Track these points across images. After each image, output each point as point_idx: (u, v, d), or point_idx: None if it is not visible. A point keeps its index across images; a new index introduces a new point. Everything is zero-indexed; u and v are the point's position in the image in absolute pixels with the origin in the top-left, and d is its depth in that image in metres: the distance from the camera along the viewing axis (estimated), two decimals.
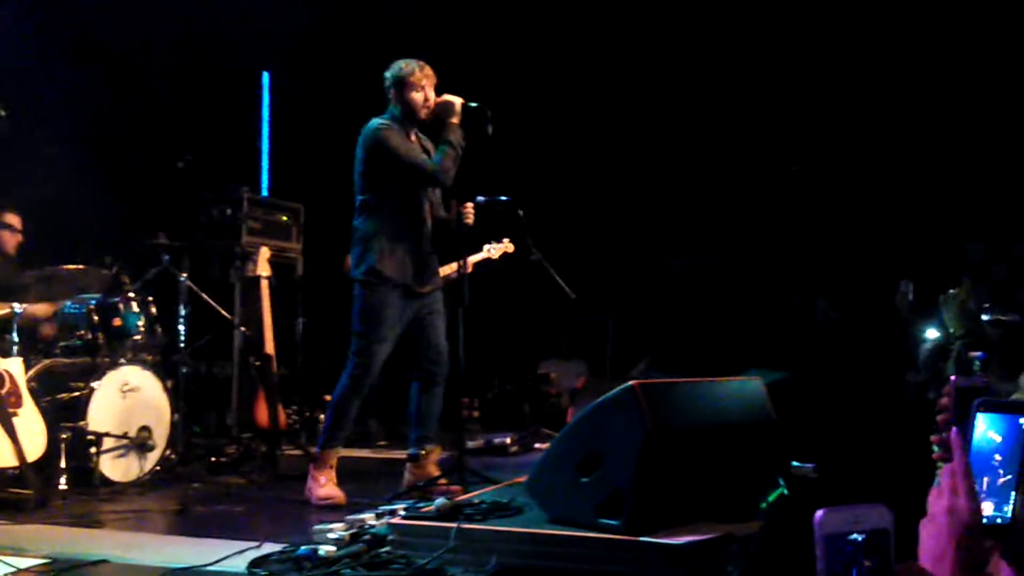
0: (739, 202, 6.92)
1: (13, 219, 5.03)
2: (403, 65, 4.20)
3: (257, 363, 5.15)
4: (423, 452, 4.24)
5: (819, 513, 1.22)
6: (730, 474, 3.09)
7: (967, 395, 1.36)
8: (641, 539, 2.74)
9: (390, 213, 4.13)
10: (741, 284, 7.01)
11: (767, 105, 6.81)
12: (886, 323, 5.52)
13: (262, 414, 5.03)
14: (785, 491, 3.23)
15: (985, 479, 1.32)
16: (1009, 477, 1.31)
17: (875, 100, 6.50)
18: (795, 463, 3.64)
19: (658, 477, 2.86)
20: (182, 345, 5.26)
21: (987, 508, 1.31)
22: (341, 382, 4.12)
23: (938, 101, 6.26)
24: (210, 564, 2.97)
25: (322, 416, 4.69)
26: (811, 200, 6.67)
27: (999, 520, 1.31)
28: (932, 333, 4.47)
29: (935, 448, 1.40)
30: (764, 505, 3.12)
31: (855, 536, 1.21)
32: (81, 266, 4.93)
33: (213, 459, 4.96)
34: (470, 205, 4.26)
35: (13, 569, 2.88)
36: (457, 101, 4.16)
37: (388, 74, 4.22)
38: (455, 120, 4.15)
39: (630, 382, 2.86)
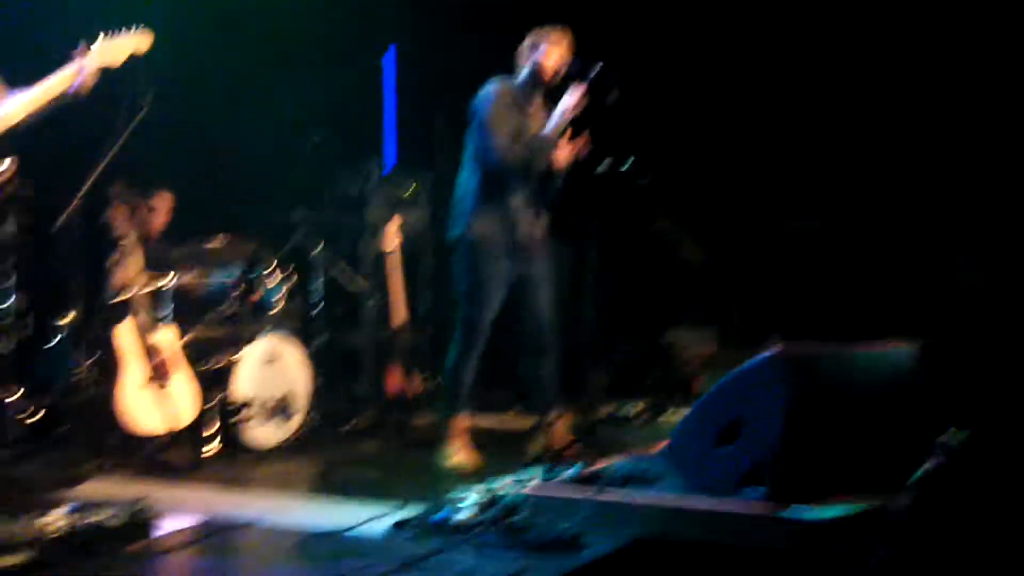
0: (861, 156, 6.59)
1: (164, 199, 5.25)
2: (540, 29, 4.16)
3: (389, 333, 5.23)
4: (550, 418, 4.21)
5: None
6: (879, 444, 2.97)
7: None
8: (786, 511, 2.66)
9: (487, 173, 4.08)
10: (875, 246, 6.69)
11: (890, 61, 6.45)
12: None
13: (395, 382, 5.13)
14: (939, 461, 3.08)
15: None
16: None
17: None
18: (948, 432, 3.47)
19: (804, 446, 2.78)
20: (318, 316, 5.40)
21: None
22: (452, 346, 4.14)
23: None
24: (351, 527, 3.05)
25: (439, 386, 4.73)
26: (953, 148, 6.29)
27: None
28: None
29: None
30: (915, 476, 2.98)
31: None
32: (223, 242, 5.10)
33: (350, 425, 5.08)
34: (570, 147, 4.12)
35: (169, 531, 3.02)
36: (567, 111, 4.04)
37: (526, 39, 4.18)
38: (550, 132, 4.04)
39: (775, 349, 2.77)
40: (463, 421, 4.17)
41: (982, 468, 2.83)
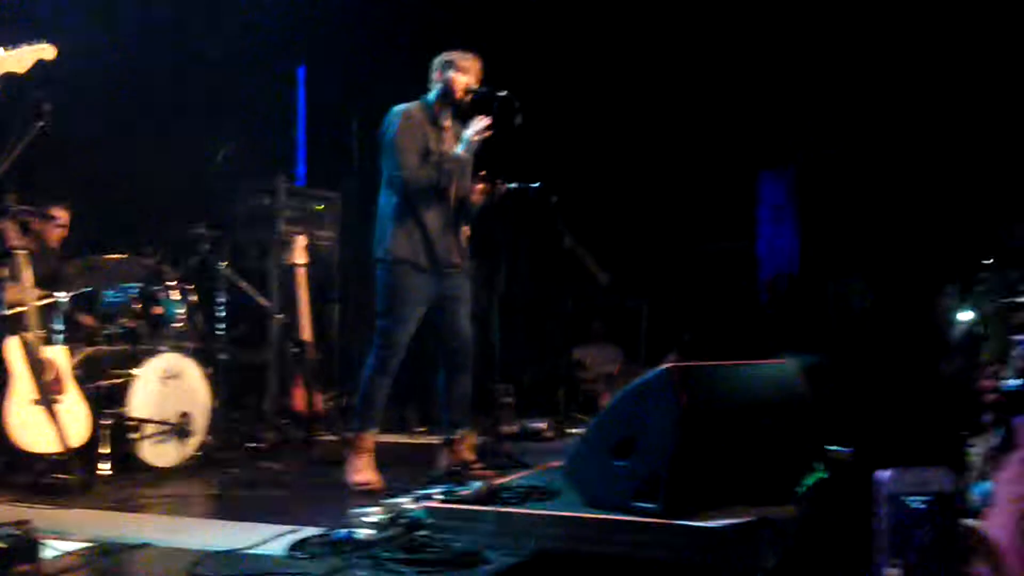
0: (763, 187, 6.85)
1: (60, 213, 5.12)
2: (453, 51, 4.22)
3: (294, 349, 5.19)
4: (456, 437, 4.25)
5: (883, 473, 1.21)
6: (767, 457, 3.08)
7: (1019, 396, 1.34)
8: (678, 522, 2.74)
9: (404, 193, 4.13)
10: (774, 267, 6.94)
11: (793, 86, 6.72)
12: (921, 309, 5.44)
13: (299, 400, 5.08)
14: (822, 474, 3.21)
15: None
16: None
17: (907, 83, 6.37)
18: (831, 447, 3.61)
19: (694, 460, 2.85)
20: (221, 332, 5.32)
21: None
22: (367, 364, 4.15)
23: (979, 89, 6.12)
24: (249, 547, 3.01)
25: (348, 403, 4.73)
26: (844, 183, 6.59)
27: None
28: (965, 316, 4.40)
29: (971, 435, 1.38)
30: (801, 489, 3.10)
31: (919, 499, 1.20)
32: (122, 255, 4.99)
33: (251, 444, 5.02)
34: (481, 186, 4.22)
35: (58, 552, 2.93)
36: (476, 134, 4.10)
37: (436, 59, 4.23)
38: (463, 151, 4.12)
39: (665, 365, 2.85)
40: (370, 438, 4.16)
41: (865, 480, 2.95)
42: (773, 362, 3.33)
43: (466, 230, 4.36)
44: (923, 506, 1.17)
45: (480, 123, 4.13)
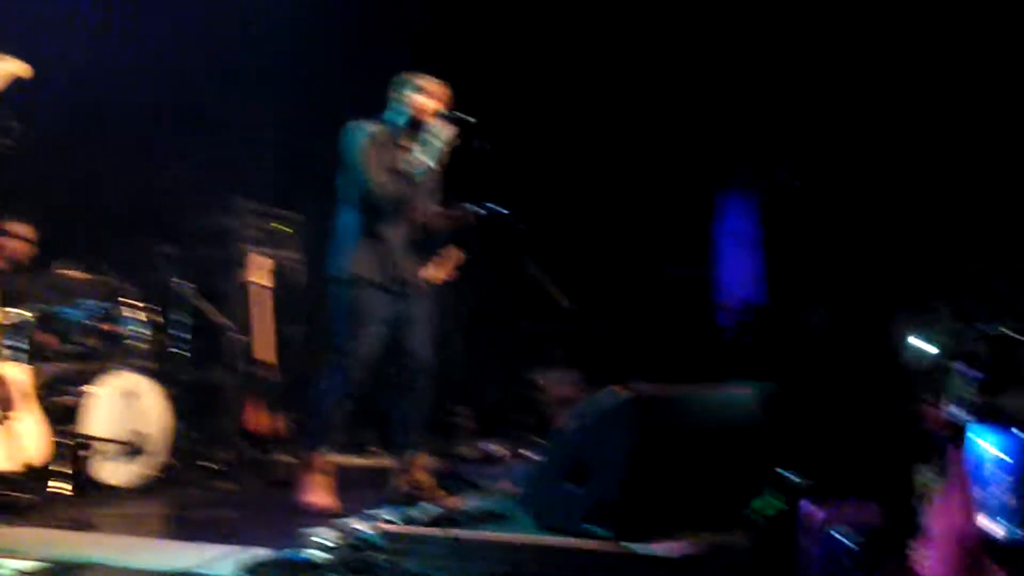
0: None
1: (21, 229, 5.08)
2: (420, 74, 4.24)
3: (254, 370, 5.17)
4: (410, 459, 4.24)
5: (806, 506, 1.24)
6: (720, 483, 3.13)
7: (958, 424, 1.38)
8: (631, 548, 2.78)
9: (364, 212, 4.13)
10: (733, 293, 7.03)
11: (758, 111, 6.83)
12: (877, 339, 5.54)
13: (255, 420, 5.07)
14: (776, 501, 3.26)
15: (987, 494, 1.34)
16: (1013, 494, 1.33)
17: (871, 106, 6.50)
18: (785, 472, 3.67)
19: (648, 485, 2.90)
20: (181, 352, 5.29)
21: (992, 526, 1.32)
22: (322, 383, 4.12)
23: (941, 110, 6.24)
24: (202, 567, 3.01)
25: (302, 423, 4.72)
26: (804, 209, 6.69)
27: (1006, 539, 1.32)
28: (920, 344, 4.50)
29: (924, 464, 1.43)
30: (754, 514, 3.15)
31: (844, 532, 1.24)
32: (82, 273, 4.96)
33: (208, 464, 4.99)
34: (448, 211, 4.26)
35: (9, 572, 2.91)
36: (442, 112, 4.15)
37: (399, 77, 4.25)
38: (435, 132, 4.14)
39: (617, 389, 2.90)
40: (325, 459, 4.15)
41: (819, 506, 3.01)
42: (730, 388, 3.39)
43: (458, 253, 4.36)
44: (854, 542, 1.21)
45: (447, 131, 4.16)
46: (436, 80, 4.26)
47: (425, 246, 4.33)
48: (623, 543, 2.81)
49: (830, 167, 6.67)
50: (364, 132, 4.15)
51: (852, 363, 5.91)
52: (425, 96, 4.20)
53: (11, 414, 4.14)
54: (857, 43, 6.43)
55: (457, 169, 4.22)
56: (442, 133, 4.16)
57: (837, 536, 1.21)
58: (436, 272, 4.62)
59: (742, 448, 3.28)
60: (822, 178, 6.69)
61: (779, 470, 3.53)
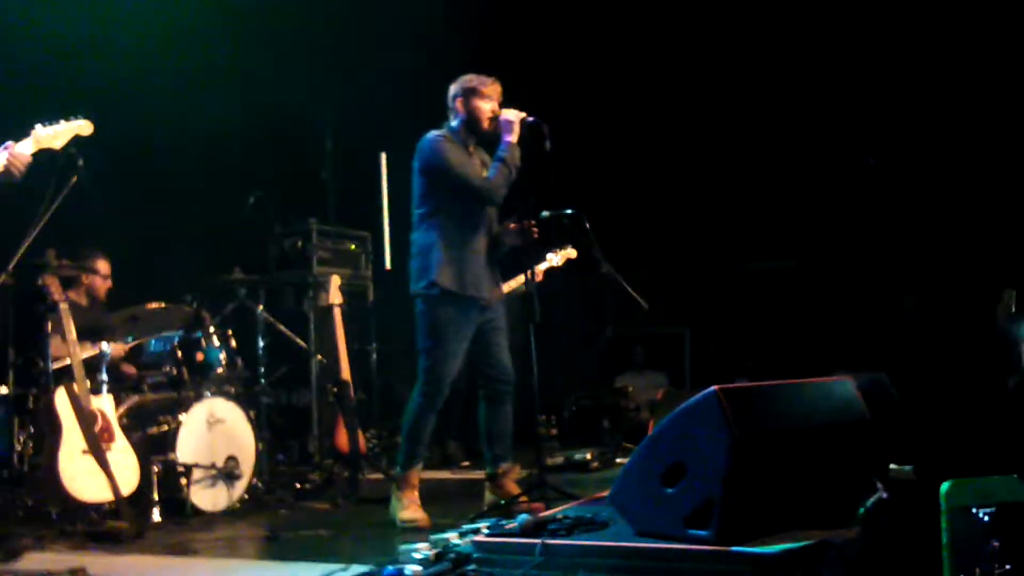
0: (819, 200, 6.75)
1: (103, 265, 5.21)
2: (471, 76, 4.19)
3: (335, 390, 5.19)
4: (500, 471, 4.21)
5: (946, 484, 1.15)
6: (824, 478, 2.99)
7: None
8: (732, 549, 2.67)
9: (448, 225, 4.10)
10: (825, 286, 6.82)
11: (842, 98, 6.64)
12: (981, 321, 5.33)
13: (342, 439, 5.07)
14: (883, 495, 3.11)
15: None
16: None
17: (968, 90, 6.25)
18: (893, 465, 3.51)
19: (748, 484, 2.78)
20: (262, 376, 5.34)
21: None
22: (413, 400, 4.11)
23: None
24: None
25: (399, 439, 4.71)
26: (894, 195, 6.47)
27: None
28: None
29: None
30: (861, 510, 3.01)
31: (984, 511, 1.14)
32: (162, 304, 5.04)
33: (298, 486, 5.01)
34: (531, 223, 4.21)
35: None
36: (515, 118, 4.12)
37: (454, 86, 4.21)
38: (511, 138, 4.09)
39: (712, 388, 2.79)
40: (416, 475, 4.13)
41: (926, 501, 2.86)
42: (829, 380, 3.25)
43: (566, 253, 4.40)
44: (988, 517, 1.11)
45: (514, 112, 4.09)
46: (489, 79, 4.19)
47: (498, 256, 4.29)
48: (725, 545, 2.69)
49: (926, 150, 6.44)
50: (441, 141, 4.11)
51: (955, 346, 5.69)
52: (483, 100, 4.15)
53: (105, 446, 4.22)
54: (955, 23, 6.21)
55: (524, 172, 4.15)
56: (512, 138, 4.10)
57: (974, 514, 1.11)
58: (515, 284, 4.59)
59: (846, 441, 3.13)
60: (919, 163, 6.47)
61: (887, 464, 3.38)
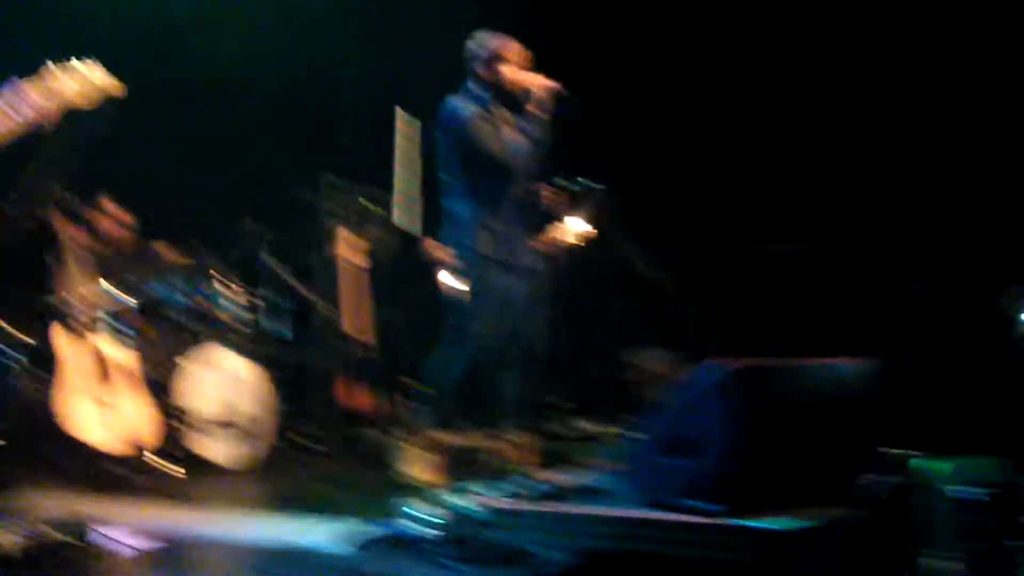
0: (834, 185, 6.71)
1: (116, 210, 5.14)
2: (493, 38, 4.11)
3: (339, 344, 5.14)
4: (516, 437, 4.21)
5: (940, 464, 1.16)
6: (836, 457, 3.01)
7: None
8: (743, 523, 2.68)
9: (479, 192, 4.08)
10: (836, 271, 6.80)
11: (864, 83, 6.58)
12: (986, 309, 5.32)
13: (355, 399, 5.08)
14: (890, 477, 3.13)
15: None
16: None
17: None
18: (898, 448, 3.52)
19: (760, 459, 2.80)
20: (271, 329, 5.31)
21: None
22: (444, 363, 4.10)
23: None
24: (314, 542, 3.02)
25: (410, 401, 4.72)
26: (905, 182, 6.44)
27: None
28: None
29: None
30: (872, 489, 3.02)
31: (980, 490, 1.15)
32: (173, 252, 5.01)
33: (306, 441, 5.02)
34: (549, 189, 4.19)
35: (114, 548, 2.96)
36: (543, 87, 4.02)
37: (473, 45, 4.12)
38: (539, 110, 4.02)
39: (720, 362, 2.80)
40: (434, 437, 4.14)
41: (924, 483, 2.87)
42: (842, 361, 3.26)
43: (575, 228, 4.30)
44: (986, 496, 1.12)
45: (543, 81, 4.02)
46: (511, 41, 4.10)
47: (530, 224, 4.26)
48: (734, 518, 2.71)
49: (927, 142, 6.40)
50: (467, 108, 4.06)
51: (959, 335, 5.69)
52: (508, 67, 4.08)
53: (111, 393, 4.20)
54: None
55: (553, 144, 4.11)
56: (539, 106, 4.04)
57: (970, 493, 1.12)
58: (550, 248, 4.53)
59: (858, 421, 3.15)
60: (920, 154, 6.43)
61: (890, 444, 3.39)
